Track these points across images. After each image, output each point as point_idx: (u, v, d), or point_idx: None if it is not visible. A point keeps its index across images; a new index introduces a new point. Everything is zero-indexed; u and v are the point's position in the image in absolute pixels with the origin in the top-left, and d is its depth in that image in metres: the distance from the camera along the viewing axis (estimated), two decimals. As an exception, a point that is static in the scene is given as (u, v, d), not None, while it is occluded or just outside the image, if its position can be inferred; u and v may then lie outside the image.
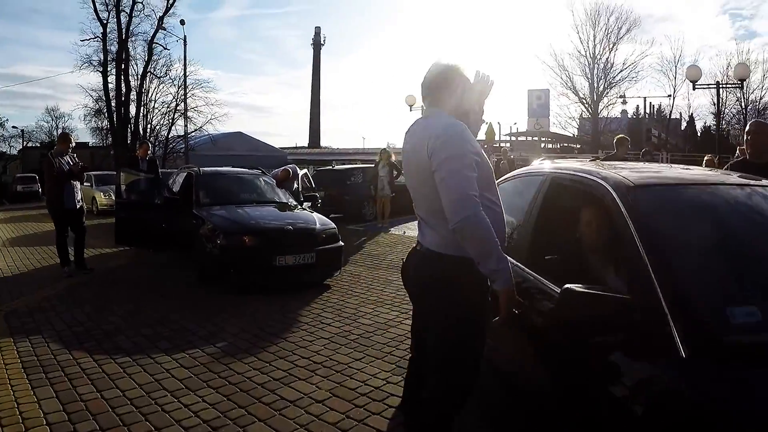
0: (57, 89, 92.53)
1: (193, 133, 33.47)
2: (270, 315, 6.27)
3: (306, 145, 66.76)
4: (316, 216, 8.43)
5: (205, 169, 9.54)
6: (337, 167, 16.27)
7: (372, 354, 5.07)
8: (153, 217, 8.81)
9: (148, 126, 35.63)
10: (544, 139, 49.30)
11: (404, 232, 13.09)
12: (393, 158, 14.11)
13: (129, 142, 32.20)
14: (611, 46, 44.25)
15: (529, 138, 49.40)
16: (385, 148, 14.15)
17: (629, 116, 52.55)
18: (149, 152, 10.79)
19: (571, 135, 49.78)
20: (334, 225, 8.16)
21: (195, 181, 8.95)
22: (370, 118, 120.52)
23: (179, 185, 9.72)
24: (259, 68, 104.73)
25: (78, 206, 8.18)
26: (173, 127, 35.03)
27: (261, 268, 7.22)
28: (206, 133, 34.41)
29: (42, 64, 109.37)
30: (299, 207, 9.03)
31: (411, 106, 21.39)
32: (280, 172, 10.66)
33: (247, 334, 5.59)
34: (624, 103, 45.33)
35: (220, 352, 5.06)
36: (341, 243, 8.10)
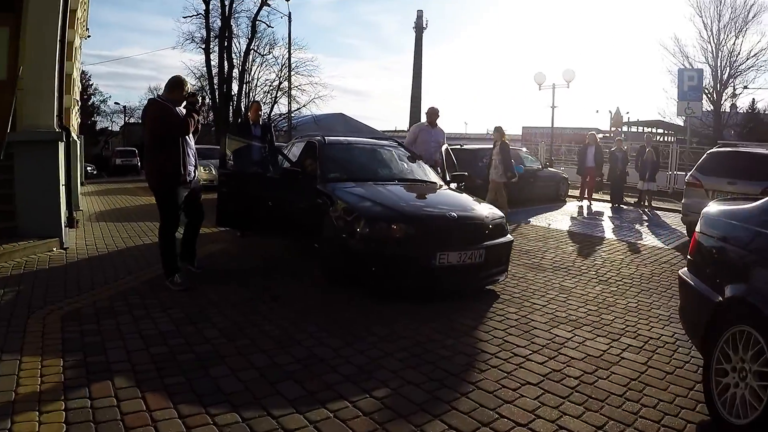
0: (160, 71, 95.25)
1: (296, 112, 32.33)
2: (437, 339, 4.21)
3: (406, 129, 64.16)
4: (478, 200, 6.32)
5: (330, 137, 7.55)
6: (466, 146, 14.02)
7: (618, 417, 3.12)
8: (265, 193, 6.89)
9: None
10: (659, 131, 44.92)
11: (549, 224, 10.74)
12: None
13: (231, 119, 31.39)
14: (737, 31, 39.11)
15: (641, 129, 45.18)
16: (499, 126, 11.94)
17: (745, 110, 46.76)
18: (261, 114, 8.89)
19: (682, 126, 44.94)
20: (501, 213, 6.01)
21: (319, 151, 6.99)
22: (470, 104, 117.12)
23: (296, 158, 7.74)
24: (358, 53, 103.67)
25: (196, 177, 5.77)
26: (275, 106, 34.07)
27: (415, 269, 5.17)
28: (309, 112, 33.13)
29: (147, 47, 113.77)
30: (447, 187, 6.93)
31: (540, 84, 18.90)
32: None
33: (416, 373, 3.55)
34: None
35: (382, 410, 3.04)
36: (511, 237, 5.94)
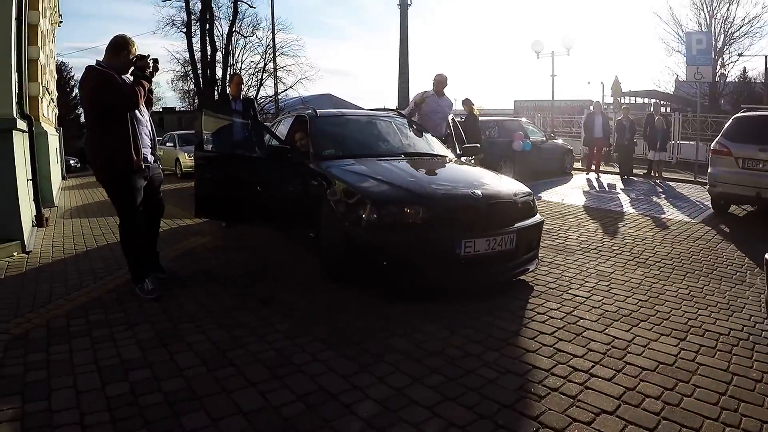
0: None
1: (282, 93, 31.23)
2: (474, 353, 3.33)
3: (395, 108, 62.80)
4: (498, 175, 5.41)
5: (322, 110, 6.58)
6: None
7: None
8: (250, 177, 5.96)
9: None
10: (654, 101, 44.01)
11: (562, 200, 9.85)
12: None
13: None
14: None
15: (636, 99, 44.19)
16: (467, 98, 11.37)
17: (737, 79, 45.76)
18: (243, 89, 7.87)
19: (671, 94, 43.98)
20: (527, 188, 5.10)
21: (310, 126, 6.00)
22: (461, 79, 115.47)
23: (285, 136, 6.70)
24: (343, 33, 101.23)
25: (155, 164, 4.72)
26: (261, 88, 32.97)
27: (437, 261, 4.24)
28: (296, 94, 32.01)
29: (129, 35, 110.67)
30: (459, 162, 6.01)
31: (538, 53, 17.89)
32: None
33: (458, 408, 2.67)
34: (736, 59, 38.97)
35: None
36: (540, 216, 5.03)
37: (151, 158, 4.55)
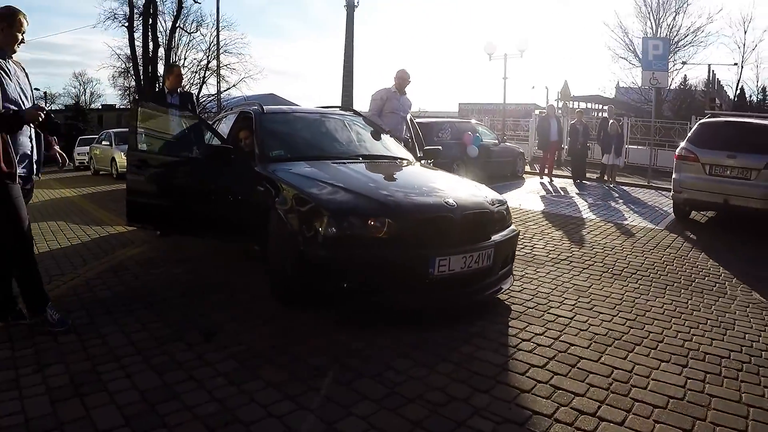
0: (85, 56, 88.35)
1: (226, 92, 30.08)
2: (459, 396, 2.76)
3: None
4: (467, 180, 4.87)
5: (269, 107, 5.90)
6: (421, 119, 12.56)
7: None
8: (187, 180, 5.26)
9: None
10: (597, 105, 44.84)
11: (519, 205, 9.47)
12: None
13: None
14: (677, 8, 39.13)
15: (584, 104, 44.93)
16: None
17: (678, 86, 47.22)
18: (183, 81, 7.06)
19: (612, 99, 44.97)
20: (500, 195, 4.58)
21: (256, 123, 5.28)
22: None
23: (227, 135, 5.90)
24: (289, 33, 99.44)
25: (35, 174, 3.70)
26: (204, 86, 31.70)
27: (407, 282, 3.64)
28: (239, 93, 30.92)
29: (70, 32, 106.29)
30: (420, 164, 5.46)
31: (491, 54, 17.56)
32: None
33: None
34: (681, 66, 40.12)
35: None
36: (515, 227, 4.51)
37: (34, 166, 3.66)
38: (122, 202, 5.13)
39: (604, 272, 5.29)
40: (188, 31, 31.16)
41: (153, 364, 3.10)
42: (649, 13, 38.71)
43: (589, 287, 4.78)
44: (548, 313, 4.07)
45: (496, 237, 3.98)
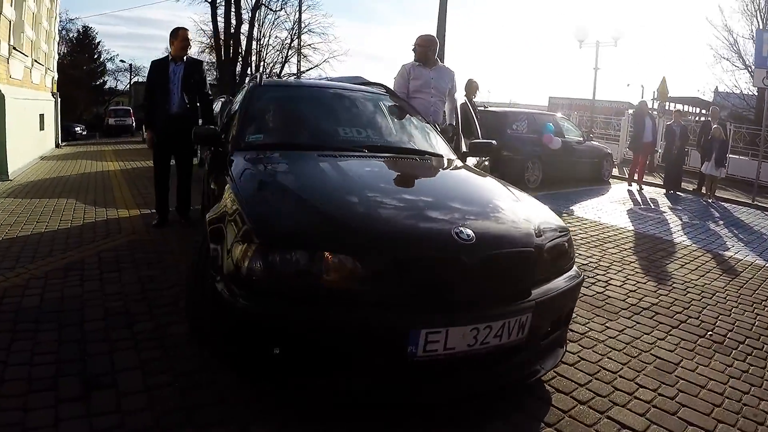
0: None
1: (308, 72, 29.23)
2: None
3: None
4: (516, 193, 3.27)
5: (273, 79, 4.71)
6: (493, 108, 10.87)
7: None
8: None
9: (261, 63, 31.97)
10: (696, 109, 40.74)
11: (599, 218, 7.76)
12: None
13: (237, 78, 28.35)
14: None
15: (680, 106, 41.01)
16: (470, 79, 9.12)
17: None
18: (190, 47, 5.76)
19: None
20: (559, 220, 3.00)
21: (246, 100, 4.08)
22: (495, 72, 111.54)
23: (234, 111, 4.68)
24: (383, 17, 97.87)
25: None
26: (287, 65, 31.16)
27: (374, 362, 2.23)
28: (323, 73, 29.98)
29: (163, 8, 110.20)
30: (461, 166, 3.89)
31: (581, 41, 15.51)
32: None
33: None
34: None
35: None
36: (578, 271, 2.88)
37: None
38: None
39: (700, 337, 3.67)
40: (273, 9, 30.48)
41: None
42: (756, 11, 34.27)
43: (678, 364, 3.21)
44: (607, 417, 2.56)
45: (539, 291, 2.47)
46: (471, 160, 4.91)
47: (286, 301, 2.15)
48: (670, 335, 3.63)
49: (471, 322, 2.20)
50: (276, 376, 2.22)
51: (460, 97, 6.29)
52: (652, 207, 9.43)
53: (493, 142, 4.50)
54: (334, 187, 2.78)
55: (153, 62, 5.63)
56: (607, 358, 3.19)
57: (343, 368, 2.20)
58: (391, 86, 5.16)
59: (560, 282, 2.63)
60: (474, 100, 9.02)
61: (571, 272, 2.77)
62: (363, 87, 4.83)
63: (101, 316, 3.28)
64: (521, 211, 2.78)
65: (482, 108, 9.80)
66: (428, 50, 5.40)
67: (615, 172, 13.69)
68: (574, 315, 3.73)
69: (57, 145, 16.56)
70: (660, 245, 6.36)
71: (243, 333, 2.20)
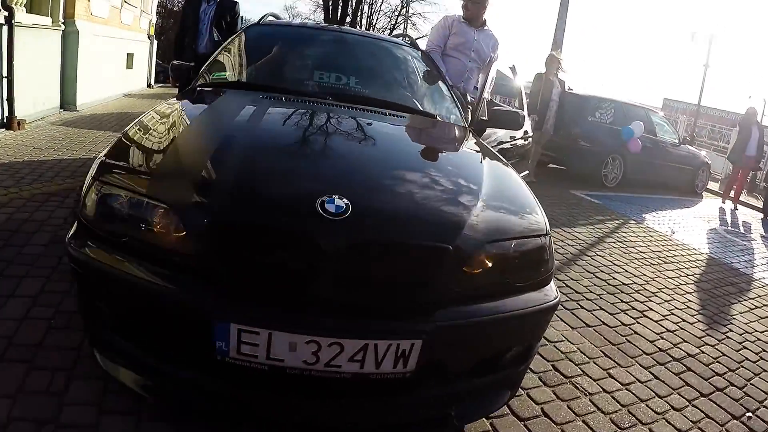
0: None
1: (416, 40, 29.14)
2: None
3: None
4: (503, 165, 2.47)
5: (278, 20, 4.14)
6: (576, 91, 9.55)
7: None
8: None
9: (371, 28, 32.27)
10: None
11: (673, 232, 6.61)
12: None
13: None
14: None
15: None
16: (552, 54, 8.28)
17: None
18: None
19: None
20: (541, 221, 2.05)
21: (239, 39, 3.60)
22: (612, 67, 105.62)
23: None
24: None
25: None
26: (395, 31, 30.82)
27: (183, 349, 1.62)
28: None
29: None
30: (469, 134, 3.00)
31: (693, 34, 13.77)
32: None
33: None
34: None
35: None
36: (551, 295, 1.96)
37: None
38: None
39: (733, 418, 2.66)
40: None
41: None
42: None
43: None
44: None
45: (453, 312, 1.68)
46: (499, 136, 4.12)
47: (102, 249, 1.69)
48: (692, 406, 2.67)
49: (309, 332, 1.51)
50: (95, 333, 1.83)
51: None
52: (741, 231, 8.01)
53: (518, 111, 3.59)
54: (225, 134, 2.14)
55: (185, 3, 5.55)
56: (582, 421, 2.33)
57: (161, 349, 1.70)
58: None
59: (511, 303, 1.81)
60: (557, 78, 8.02)
61: (539, 293, 1.93)
62: (382, 36, 4.22)
63: (45, 243, 3.14)
64: (475, 195, 1.96)
65: (569, 90, 8.66)
66: (483, 9, 4.52)
67: (712, 186, 12.06)
68: (573, 348, 2.92)
69: (148, 85, 16.91)
70: (732, 278, 5.19)
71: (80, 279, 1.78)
